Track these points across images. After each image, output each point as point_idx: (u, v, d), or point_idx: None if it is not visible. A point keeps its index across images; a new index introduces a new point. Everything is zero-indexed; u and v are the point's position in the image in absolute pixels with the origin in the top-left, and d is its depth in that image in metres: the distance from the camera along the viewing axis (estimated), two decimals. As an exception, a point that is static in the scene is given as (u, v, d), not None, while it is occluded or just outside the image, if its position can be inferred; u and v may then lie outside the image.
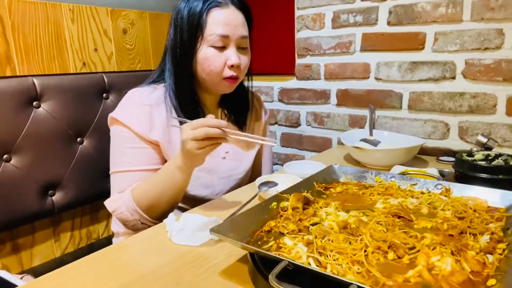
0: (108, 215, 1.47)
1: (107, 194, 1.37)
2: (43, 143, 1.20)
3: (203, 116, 1.06)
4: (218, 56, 0.97)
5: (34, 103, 1.19)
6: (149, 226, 0.90)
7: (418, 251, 0.59)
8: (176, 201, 0.98)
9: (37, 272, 1.25)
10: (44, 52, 1.27)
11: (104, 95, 1.36)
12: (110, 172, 1.03)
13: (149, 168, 1.01)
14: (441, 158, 1.31)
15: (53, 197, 1.24)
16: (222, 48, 0.98)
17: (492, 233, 0.63)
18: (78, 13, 1.34)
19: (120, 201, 0.96)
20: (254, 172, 1.24)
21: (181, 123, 0.93)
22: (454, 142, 1.35)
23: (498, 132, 1.26)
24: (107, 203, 0.99)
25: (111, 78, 1.38)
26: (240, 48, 1.00)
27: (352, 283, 0.47)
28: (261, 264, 0.60)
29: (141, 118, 1.00)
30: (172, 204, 0.98)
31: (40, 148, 1.19)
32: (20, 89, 1.16)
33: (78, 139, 1.30)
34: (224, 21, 0.96)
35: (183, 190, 0.96)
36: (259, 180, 1.01)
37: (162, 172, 0.95)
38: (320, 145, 1.68)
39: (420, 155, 1.35)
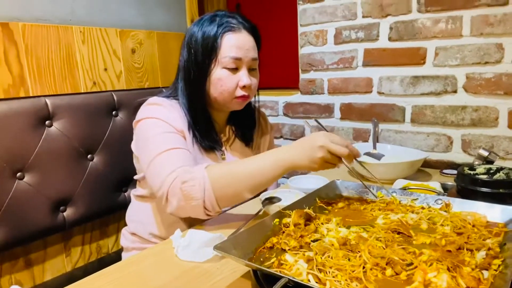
0: (118, 230, 1.50)
1: (116, 209, 1.42)
2: (55, 161, 1.24)
3: (215, 131, 1.11)
4: (231, 77, 1.02)
5: (47, 122, 1.23)
6: (205, 219, 0.91)
7: (416, 267, 0.61)
8: (250, 195, 0.94)
9: (48, 286, 1.29)
10: (56, 73, 1.32)
11: (113, 112, 1.41)
12: (151, 157, 0.95)
13: (191, 152, 1.01)
14: (444, 171, 1.32)
15: (64, 213, 1.27)
16: (235, 70, 1.03)
17: (489, 249, 0.65)
18: (88, 35, 1.39)
19: (193, 174, 0.90)
20: None
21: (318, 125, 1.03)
22: (457, 155, 1.37)
23: (501, 144, 1.27)
24: (177, 170, 0.90)
25: (120, 96, 1.43)
26: (250, 70, 1.06)
27: (348, 300, 0.49)
28: (263, 281, 0.62)
29: (172, 116, 1.03)
30: (245, 197, 0.94)
31: (52, 166, 1.23)
32: (33, 109, 1.20)
33: (89, 156, 1.34)
34: (237, 45, 1.01)
35: (266, 185, 0.94)
36: (263, 196, 1.04)
37: (253, 158, 0.94)
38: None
39: (424, 168, 1.36)
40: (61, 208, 1.27)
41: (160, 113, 1.03)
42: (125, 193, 1.45)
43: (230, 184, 0.91)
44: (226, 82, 1.02)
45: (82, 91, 1.39)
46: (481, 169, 1.05)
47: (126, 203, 1.39)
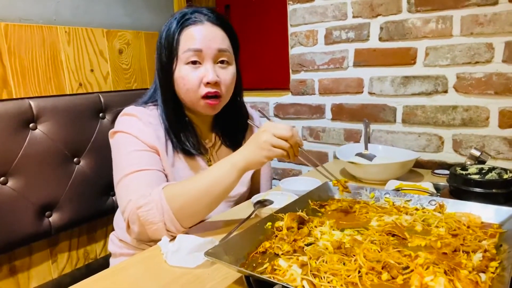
0: (106, 235, 1.46)
1: (104, 213, 1.38)
2: (39, 165, 1.20)
3: (195, 136, 1.05)
4: (193, 73, 0.95)
5: (31, 125, 1.19)
6: (169, 237, 0.85)
7: (412, 271, 0.59)
8: (213, 208, 0.91)
9: (34, 294, 1.25)
10: (40, 74, 1.28)
11: (100, 114, 1.37)
12: (119, 178, 0.93)
13: (162, 171, 0.96)
14: (436, 171, 1.31)
15: (50, 218, 1.23)
16: (198, 65, 0.96)
17: (485, 251, 0.64)
18: (74, 35, 1.36)
19: (149, 197, 0.85)
20: (253, 191, 1.23)
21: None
22: (448, 155, 1.36)
23: (492, 144, 1.27)
24: (134, 196, 0.87)
25: (108, 97, 1.39)
26: (219, 63, 0.98)
27: (345, 307, 0.47)
28: (256, 287, 0.60)
29: (145, 130, 0.98)
30: (208, 211, 0.91)
31: (36, 170, 1.19)
32: (16, 111, 1.16)
33: (75, 159, 1.30)
34: (196, 36, 0.95)
35: (226, 194, 0.89)
36: (255, 198, 1.02)
37: (208, 171, 0.89)
38: (316, 160, 1.69)
39: (415, 168, 1.36)
40: (47, 213, 1.23)
41: (133, 127, 0.98)
42: (113, 197, 1.41)
43: (189, 202, 0.86)
44: (189, 79, 0.95)
45: (68, 93, 1.36)
46: (473, 169, 1.05)
47: (114, 207, 1.36)
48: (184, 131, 1.03)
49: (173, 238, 0.83)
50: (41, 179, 1.21)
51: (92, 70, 1.42)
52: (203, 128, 1.11)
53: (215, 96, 0.98)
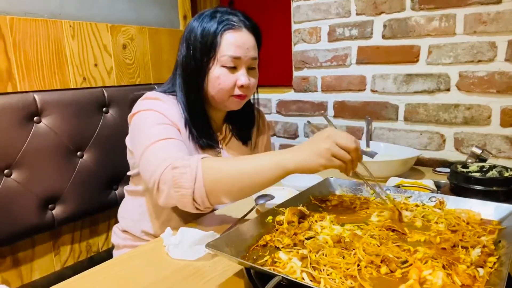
0: (108, 228, 1.48)
1: (107, 207, 1.39)
2: (43, 158, 1.21)
3: (212, 129, 1.09)
4: (229, 76, 1.00)
5: (35, 119, 1.20)
6: (197, 217, 0.84)
7: (411, 265, 0.60)
8: (244, 196, 0.88)
9: (37, 286, 1.26)
10: (45, 68, 1.29)
11: (104, 109, 1.38)
12: (147, 145, 0.92)
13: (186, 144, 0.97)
14: (437, 169, 1.32)
15: (53, 211, 1.25)
16: (233, 69, 1.01)
17: (484, 246, 0.64)
18: (78, 30, 1.36)
19: (187, 161, 0.84)
20: None
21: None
22: (450, 153, 1.37)
23: (493, 143, 1.27)
24: (171, 156, 0.86)
25: (111, 92, 1.40)
26: (249, 69, 1.04)
27: (343, 299, 0.48)
28: (256, 279, 0.61)
29: (170, 110, 1.01)
30: (238, 196, 0.88)
31: (40, 163, 1.21)
32: (21, 105, 1.17)
33: (78, 153, 1.31)
34: (236, 44, 0.99)
35: (262, 188, 0.86)
36: (256, 193, 1.02)
37: (252, 158, 0.87)
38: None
39: (417, 166, 1.36)
40: (50, 206, 1.24)
41: (157, 106, 1.01)
42: (116, 191, 1.42)
43: (224, 179, 0.83)
44: (224, 80, 1.00)
45: (72, 87, 1.36)
46: (474, 167, 1.05)
47: (117, 201, 1.38)
48: (201, 124, 1.05)
49: (176, 229, 0.84)
50: (44, 172, 1.22)
51: (96, 65, 1.43)
52: (217, 121, 1.14)
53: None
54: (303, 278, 0.57)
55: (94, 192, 1.36)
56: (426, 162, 1.40)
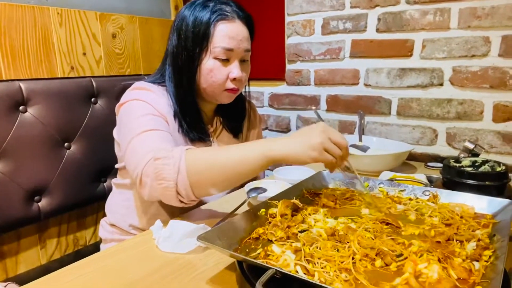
0: (96, 221, 1.45)
1: (94, 200, 1.36)
2: (29, 148, 1.18)
3: (202, 122, 1.06)
4: (222, 69, 0.98)
5: (21, 108, 1.17)
6: (186, 210, 0.81)
7: (406, 258, 0.59)
8: (229, 187, 0.87)
9: (22, 279, 1.23)
10: (31, 56, 1.25)
11: (92, 99, 1.35)
12: (132, 136, 0.90)
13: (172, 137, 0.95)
14: (429, 164, 1.32)
15: (39, 203, 1.22)
16: (226, 61, 0.99)
17: (479, 240, 0.64)
18: (66, 17, 1.32)
19: (170, 152, 0.81)
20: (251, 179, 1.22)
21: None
22: (442, 148, 1.37)
23: (485, 138, 1.27)
24: (154, 147, 0.84)
25: (100, 82, 1.37)
26: (242, 61, 1.02)
27: (338, 292, 0.47)
28: (249, 272, 0.60)
29: (159, 101, 0.98)
30: (223, 187, 0.85)
31: (26, 153, 1.17)
32: (6, 93, 1.14)
33: (66, 144, 1.28)
34: (230, 35, 0.97)
35: (247, 177, 0.84)
36: (248, 186, 1.01)
37: (237, 147, 0.84)
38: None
39: (409, 161, 1.36)
40: (36, 198, 1.21)
41: (145, 96, 0.98)
42: (104, 184, 1.40)
43: (208, 170, 0.81)
44: (217, 73, 0.98)
45: (59, 76, 1.33)
46: (466, 161, 1.05)
47: (105, 194, 1.35)
48: (192, 116, 1.03)
49: (165, 223, 0.82)
50: (30, 163, 1.18)
51: (84, 54, 1.39)
52: (208, 113, 1.12)
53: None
54: (297, 271, 0.56)
55: (82, 184, 1.33)
56: (418, 157, 1.40)
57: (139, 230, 1.06)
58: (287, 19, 1.64)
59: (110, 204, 1.16)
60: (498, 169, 0.98)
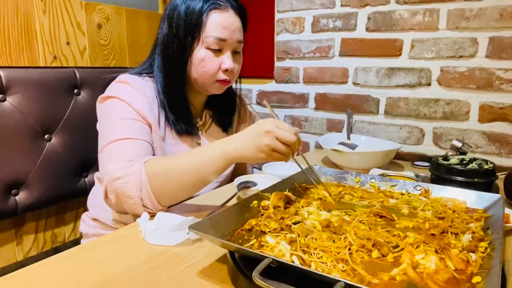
0: (76, 217, 1.39)
1: (75, 195, 1.31)
2: (7, 139, 1.12)
3: (191, 114, 1.04)
4: (213, 60, 0.96)
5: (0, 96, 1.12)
6: (148, 214, 0.79)
7: (402, 249, 0.58)
8: (194, 192, 0.87)
9: (-4, 276, 1.17)
10: (12, 43, 1.20)
11: (75, 91, 1.30)
12: (104, 144, 0.89)
13: (150, 142, 0.93)
14: (416, 162, 1.33)
15: (17, 197, 1.16)
16: (218, 52, 0.96)
17: (473, 232, 0.63)
18: (50, 4, 1.28)
19: (129, 169, 0.81)
20: (239, 174, 1.20)
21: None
22: (428, 148, 1.38)
23: (471, 138, 1.29)
24: (113, 166, 0.83)
25: (84, 73, 1.32)
26: (234, 53, 1.00)
27: (339, 280, 0.45)
28: (241, 263, 0.57)
29: (139, 99, 0.95)
30: (188, 194, 0.87)
31: (4, 144, 1.12)
32: (-17, 80, 1.08)
33: (46, 136, 1.23)
34: (223, 24, 0.95)
35: (211, 180, 0.85)
36: (237, 180, 0.99)
37: (196, 152, 0.85)
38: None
39: (396, 160, 1.36)
40: (13, 191, 1.15)
41: (126, 94, 0.95)
42: (86, 178, 1.34)
43: (169, 181, 0.82)
44: (208, 63, 0.96)
45: (41, 65, 1.28)
46: (454, 159, 1.06)
47: (86, 189, 1.30)
48: (179, 109, 1.00)
49: (152, 215, 0.78)
50: (8, 154, 1.13)
51: (68, 43, 1.34)
52: (197, 105, 1.09)
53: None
54: (293, 262, 0.54)
55: (62, 178, 1.27)
56: (405, 156, 1.41)
57: (123, 225, 1.02)
58: (277, 16, 1.63)
59: (93, 198, 1.12)
60: (486, 166, 0.99)
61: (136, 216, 0.82)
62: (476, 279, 0.50)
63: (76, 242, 1.29)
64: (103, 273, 0.61)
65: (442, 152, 1.32)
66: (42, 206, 1.25)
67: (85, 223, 1.12)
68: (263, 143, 0.77)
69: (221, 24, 0.95)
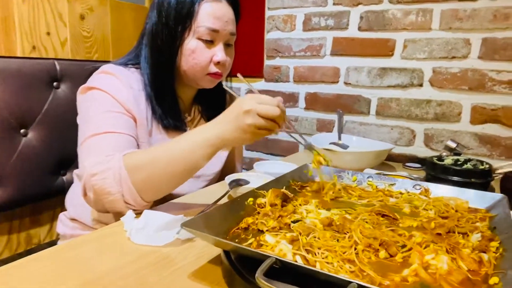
0: (53, 218, 1.31)
1: (52, 194, 1.23)
2: (-21, 132, 1.04)
3: (179, 109, 0.98)
4: (205, 51, 0.92)
5: (-29, 86, 1.04)
6: (133, 212, 0.74)
7: (410, 249, 0.54)
8: (179, 184, 0.82)
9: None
10: (-13, 30, 1.12)
11: (55, 83, 1.22)
12: (84, 138, 0.83)
13: (134, 137, 0.87)
14: (407, 164, 1.31)
15: (-12, 195, 1.08)
16: (210, 43, 0.92)
17: (481, 232, 0.60)
18: (29, -8, 1.21)
19: (106, 164, 0.76)
20: (227, 173, 1.16)
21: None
22: (419, 149, 1.36)
23: (462, 139, 1.28)
24: (90, 161, 0.77)
25: (64, 66, 1.25)
26: (226, 45, 0.96)
27: (352, 282, 0.41)
28: (238, 264, 0.52)
29: (124, 91, 0.89)
30: (174, 185, 0.81)
31: (-25, 138, 1.04)
32: (-46, 68, 1.00)
33: (22, 131, 1.15)
34: (215, 15, 0.90)
35: (195, 170, 0.80)
36: (229, 178, 0.94)
37: (177, 141, 0.79)
38: (286, 149, 1.64)
39: (387, 161, 1.34)
40: (-16, 189, 1.07)
41: (110, 85, 0.89)
42: (64, 177, 1.27)
43: (151, 173, 0.76)
44: (199, 55, 0.91)
45: (19, 55, 1.20)
46: (449, 160, 1.04)
47: (64, 188, 1.22)
48: (167, 102, 0.95)
49: (138, 213, 0.73)
50: (-21, 149, 1.05)
51: (48, 34, 1.27)
52: (185, 100, 1.04)
53: None
54: (296, 261, 0.49)
55: (38, 176, 1.19)
56: (396, 157, 1.39)
57: (104, 225, 0.95)
58: (268, 13, 1.60)
59: (72, 197, 1.05)
60: (482, 167, 0.98)
61: (118, 216, 0.77)
62: (493, 280, 0.47)
63: (52, 244, 1.22)
64: (87, 273, 0.56)
65: (433, 154, 1.30)
66: (15, 206, 1.17)
67: (62, 223, 1.04)
68: (245, 123, 0.73)
69: (213, 14, 0.90)
